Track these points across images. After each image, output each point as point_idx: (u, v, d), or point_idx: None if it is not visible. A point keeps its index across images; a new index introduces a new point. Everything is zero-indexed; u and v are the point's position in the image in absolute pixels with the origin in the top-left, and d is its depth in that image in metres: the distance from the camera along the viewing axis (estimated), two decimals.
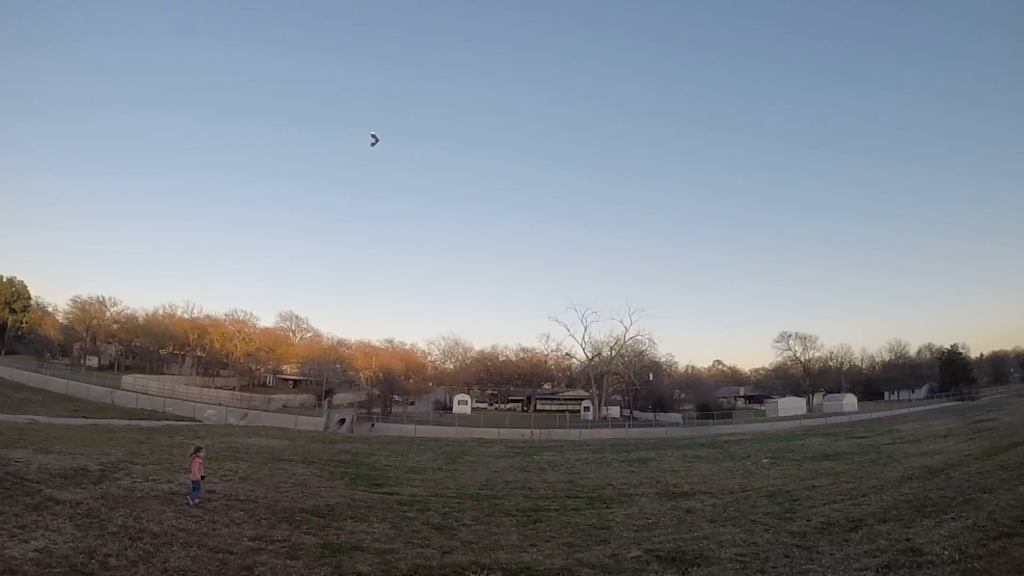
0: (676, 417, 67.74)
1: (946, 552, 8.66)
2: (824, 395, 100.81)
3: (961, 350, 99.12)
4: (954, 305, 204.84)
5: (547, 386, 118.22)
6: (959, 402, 70.97)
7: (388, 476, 18.07)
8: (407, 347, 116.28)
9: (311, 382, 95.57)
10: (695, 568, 8.40)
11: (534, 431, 38.27)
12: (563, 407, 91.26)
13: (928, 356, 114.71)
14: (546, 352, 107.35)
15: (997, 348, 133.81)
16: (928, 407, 65.59)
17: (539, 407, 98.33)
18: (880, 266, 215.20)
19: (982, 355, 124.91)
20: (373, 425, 56.57)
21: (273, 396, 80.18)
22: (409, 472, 19.26)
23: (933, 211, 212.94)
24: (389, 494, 14.54)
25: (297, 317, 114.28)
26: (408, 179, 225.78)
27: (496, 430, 36.76)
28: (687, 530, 10.95)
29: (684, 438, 39.49)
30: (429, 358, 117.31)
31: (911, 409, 63.15)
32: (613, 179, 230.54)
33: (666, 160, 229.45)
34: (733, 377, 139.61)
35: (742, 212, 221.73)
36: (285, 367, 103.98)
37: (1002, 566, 7.72)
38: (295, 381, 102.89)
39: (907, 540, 9.57)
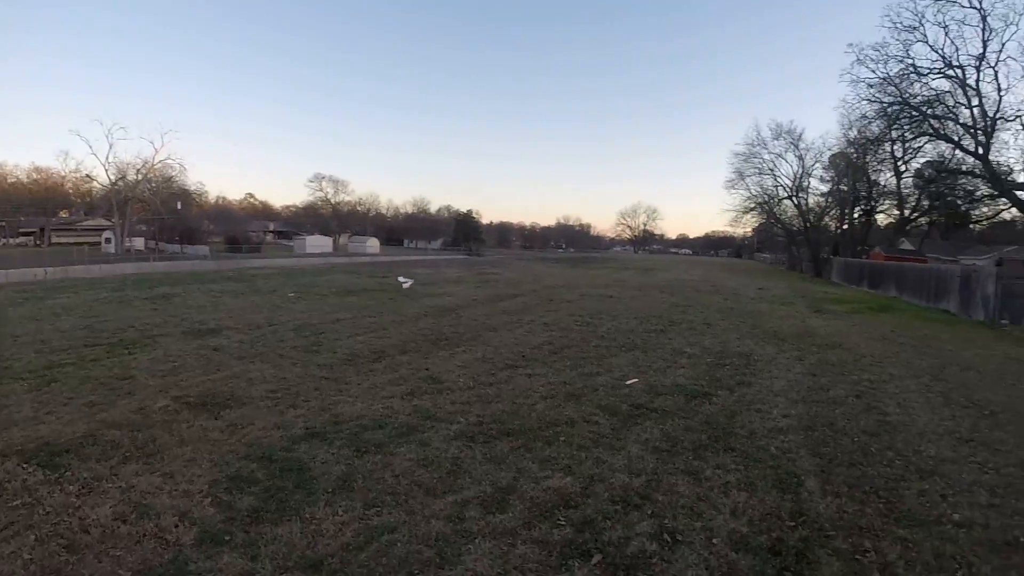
0: (204, 250, 64.69)
1: (461, 380, 10.24)
2: (350, 236, 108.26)
3: (475, 214, 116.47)
4: (473, 179, 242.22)
5: (64, 214, 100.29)
6: (468, 256, 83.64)
7: None
8: None
9: None
10: (227, 411, 8.32)
11: (48, 270, 32.03)
12: (82, 239, 78.34)
13: (447, 215, 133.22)
14: (63, 173, 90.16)
15: (505, 219, 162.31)
16: (441, 256, 75.61)
17: (55, 240, 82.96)
18: (410, 126, 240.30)
19: (491, 222, 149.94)
20: None
21: None
22: None
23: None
24: None
25: None
26: None
27: (3, 272, 29.63)
28: (215, 370, 10.66)
29: (211, 271, 38.17)
30: None
31: (427, 256, 72.10)
32: None
33: None
34: (265, 212, 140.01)
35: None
36: None
37: (508, 392, 9.54)
38: None
39: (426, 369, 11.11)
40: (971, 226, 54.54)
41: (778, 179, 64.63)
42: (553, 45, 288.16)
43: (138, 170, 72.49)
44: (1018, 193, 24.88)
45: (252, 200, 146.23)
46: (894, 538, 5.21)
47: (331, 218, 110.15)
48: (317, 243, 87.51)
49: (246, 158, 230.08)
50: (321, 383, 9.90)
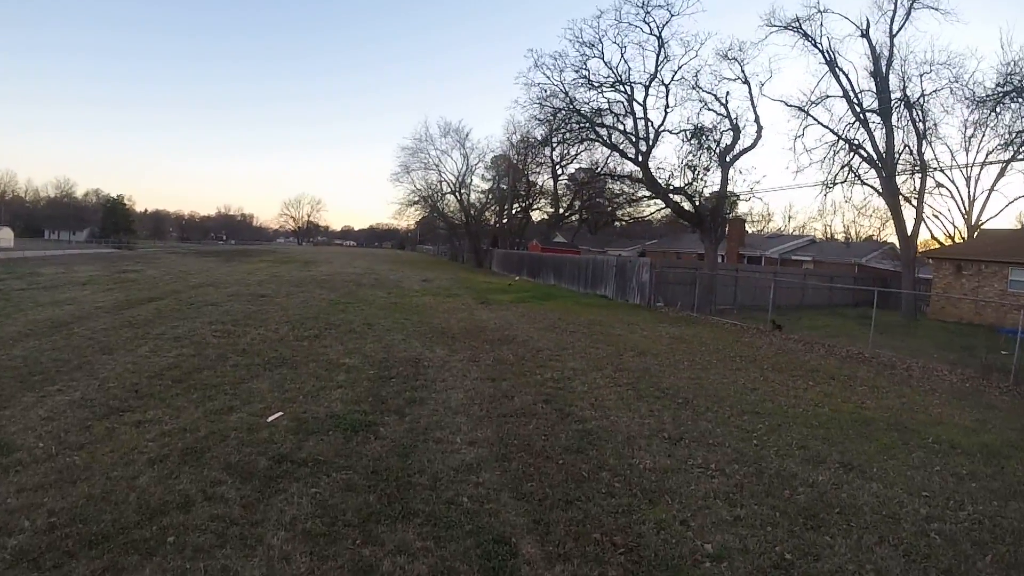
0: None
1: (41, 444, 6.73)
2: None
3: (127, 202, 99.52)
4: (124, 159, 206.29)
5: None
6: (117, 250, 70.86)
7: None
8: None
9: None
10: None
11: None
12: None
13: (95, 200, 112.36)
14: None
15: (160, 207, 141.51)
16: (85, 251, 62.77)
17: None
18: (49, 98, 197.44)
19: (147, 210, 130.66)
20: None
21: None
22: None
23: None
24: None
25: None
26: None
27: None
28: None
29: None
30: None
31: (68, 251, 58.84)
32: None
33: None
34: None
35: None
36: None
37: (104, 459, 6.25)
38: None
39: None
40: (615, 223, 59.62)
41: (443, 175, 65.20)
42: (222, 28, 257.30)
43: None
44: (672, 196, 27.28)
45: None
46: None
47: None
48: None
49: None
50: None
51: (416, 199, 68.88)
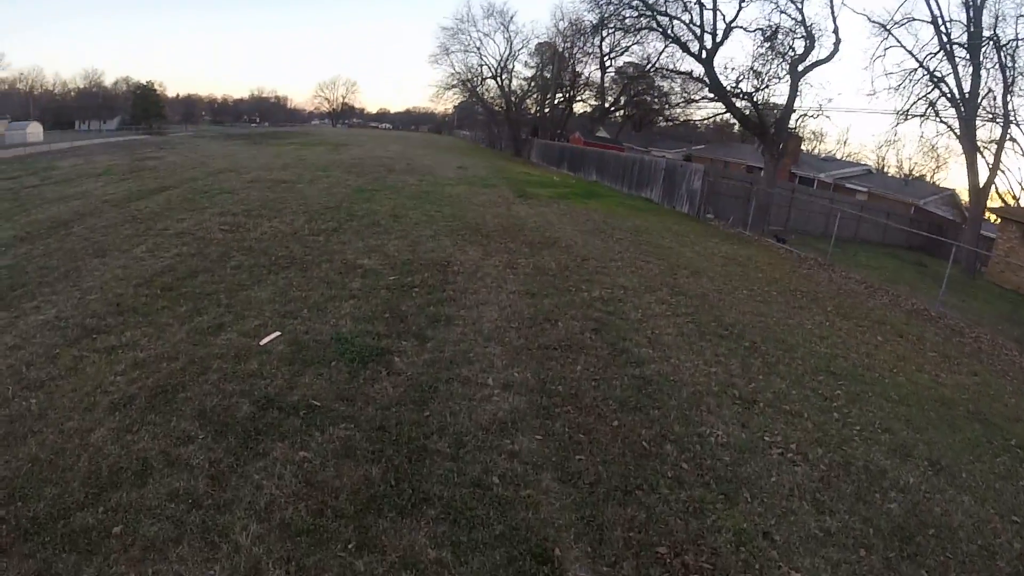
0: None
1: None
2: (8, 123, 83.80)
3: (157, 87, 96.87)
4: (153, 44, 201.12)
5: None
6: (146, 136, 69.34)
7: None
8: None
9: None
10: None
11: None
12: None
13: (125, 89, 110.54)
14: None
15: (192, 92, 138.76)
16: (111, 139, 61.47)
17: None
18: None
19: (178, 95, 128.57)
20: None
21: None
22: None
23: None
24: None
25: None
26: None
27: None
28: None
29: None
30: None
31: (94, 141, 57.95)
32: None
33: None
34: None
35: None
36: None
37: (60, 403, 5.21)
38: None
39: None
40: (660, 123, 55.97)
41: (484, 58, 62.09)
42: None
43: None
44: (734, 100, 24.60)
45: None
46: None
47: None
48: None
49: None
50: None
51: (455, 82, 65.68)
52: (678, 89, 45.19)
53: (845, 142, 77.59)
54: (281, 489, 4.00)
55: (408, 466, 4.31)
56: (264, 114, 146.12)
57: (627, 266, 11.06)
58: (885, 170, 58.50)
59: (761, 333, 8.48)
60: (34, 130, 73.71)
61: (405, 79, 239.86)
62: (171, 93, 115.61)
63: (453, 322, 7.15)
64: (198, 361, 5.88)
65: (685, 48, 26.38)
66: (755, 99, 24.72)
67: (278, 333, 6.59)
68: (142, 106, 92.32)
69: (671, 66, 37.22)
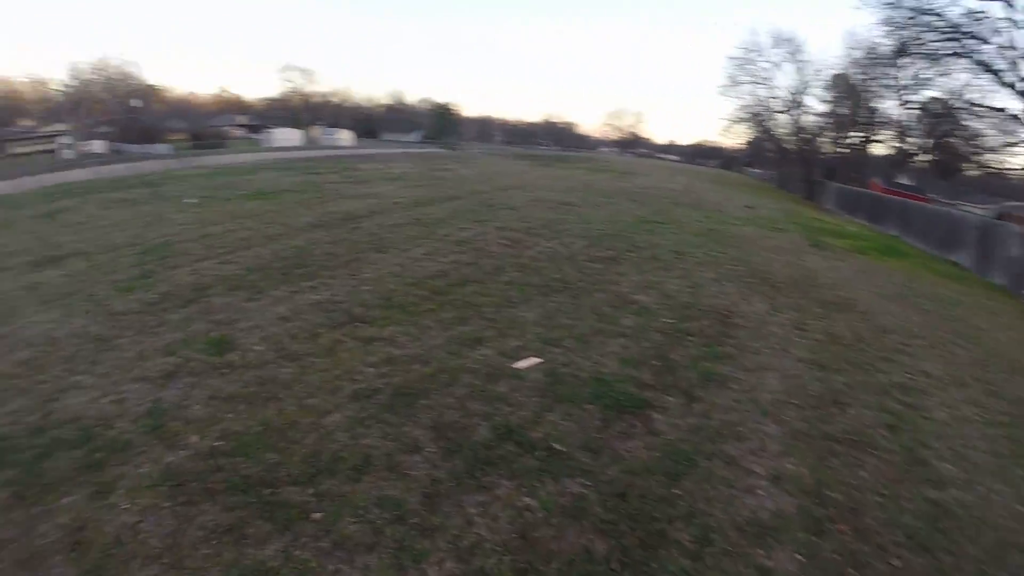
0: (164, 148, 58.24)
1: (256, 349, 6.59)
2: (322, 128, 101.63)
3: (454, 108, 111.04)
4: (453, 71, 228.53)
5: (26, 123, 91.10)
6: (443, 150, 77.84)
7: None
8: None
9: None
10: None
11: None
12: (38, 147, 70.38)
13: (425, 107, 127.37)
14: (23, 81, 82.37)
15: (486, 113, 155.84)
16: (411, 150, 69.93)
17: (15, 150, 74.88)
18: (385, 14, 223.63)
19: (473, 116, 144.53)
20: None
21: None
22: None
23: None
24: None
25: None
26: None
27: None
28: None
29: (147, 174, 32.27)
30: None
31: (395, 150, 66.32)
32: None
33: None
34: (235, 106, 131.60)
35: None
36: None
37: (306, 386, 5.65)
38: None
39: (228, 324, 7.32)
40: (967, 172, 49.30)
41: (773, 91, 59.46)
42: None
43: (93, 68, 66.23)
44: None
45: (224, 94, 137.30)
46: None
47: (301, 110, 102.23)
48: (285, 136, 79.83)
49: (216, 49, 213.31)
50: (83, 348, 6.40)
51: (745, 116, 64.38)
52: (992, 132, 38.85)
53: None
54: (492, 533, 3.70)
55: (639, 551, 3.73)
56: (554, 138, 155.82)
57: (932, 346, 9.32)
58: None
59: None
60: (344, 135, 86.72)
61: (695, 111, 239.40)
62: (467, 115, 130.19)
63: (728, 384, 6.41)
64: (449, 371, 5.92)
65: (998, 77, 21.96)
66: None
67: (538, 360, 6.41)
68: (440, 123, 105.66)
69: (983, 101, 31.97)
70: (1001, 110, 28.86)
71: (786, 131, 61.30)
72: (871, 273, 15.29)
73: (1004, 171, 44.73)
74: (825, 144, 58.73)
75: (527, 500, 4.05)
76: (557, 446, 4.72)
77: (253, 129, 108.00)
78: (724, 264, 12.75)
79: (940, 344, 9.51)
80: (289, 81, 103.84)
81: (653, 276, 10.82)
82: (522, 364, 6.25)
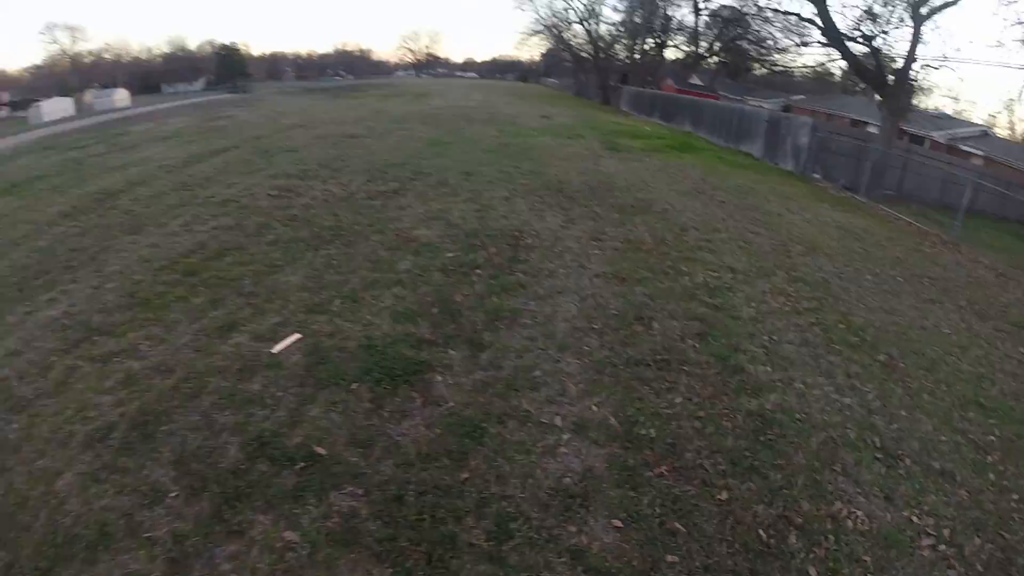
0: None
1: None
2: (96, 91, 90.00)
3: (242, 47, 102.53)
4: (237, 5, 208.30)
5: None
6: (232, 95, 72.38)
7: None
8: None
9: None
10: None
11: None
12: None
13: (209, 50, 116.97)
14: None
15: (277, 50, 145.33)
16: (195, 100, 64.01)
17: None
18: None
19: (263, 54, 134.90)
20: None
21: None
22: None
23: None
24: None
25: None
26: None
27: None
28: None
29: None
30: None
31: (175, 103, 60.34)
32: None
33: None
34: None
35: None
36: None
37: (48, 421, 4.60)
38: None
39: None
40: (756, 71, 53.38)
41: (570, 2, 61.02)
42: None
43: None
44: (849, 46, 22.48)
45: None
46: None
47: (71, 74, 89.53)
48: (56, 107, 68.45)
49: None
50: None
51: (540, 28, 65.69)
52: (778, 35, 42.64)
53: (955, 98, 68.78)
54: None
55: (425, 570, 3.14)
56: (349, 67, 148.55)
57: (733, 239, 9.50)
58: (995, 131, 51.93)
59: (896, 341, 6.85)
60: (121, 96, 77.46)
61: (492, 28, 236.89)
62: (256, 52, 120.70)
63: (519, 320, 5.90)
64: (194, 377, 4.92)
65: None
66: (877, 45, 22.27)
67: (297, 336, 5.54)
68: (226, 66, 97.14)
69: (775, 6, 34.03)
70: (795, 14, 30.92)
71: (582, 41, 62.92)
72: (668, 171, 15.55)
73: (790, 69, 48.41)
74: (620, 52, 60.79)
75: (287, 535, 3.31)
76: (319, 450, 3.99)
77: (17, 106, 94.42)
78: (516, 180, 12.28)
79: (741, 235, 9.75)
80: (54, 42, 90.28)
81: (438, 204, 10.12)
82: (279, 346, 5.37)
